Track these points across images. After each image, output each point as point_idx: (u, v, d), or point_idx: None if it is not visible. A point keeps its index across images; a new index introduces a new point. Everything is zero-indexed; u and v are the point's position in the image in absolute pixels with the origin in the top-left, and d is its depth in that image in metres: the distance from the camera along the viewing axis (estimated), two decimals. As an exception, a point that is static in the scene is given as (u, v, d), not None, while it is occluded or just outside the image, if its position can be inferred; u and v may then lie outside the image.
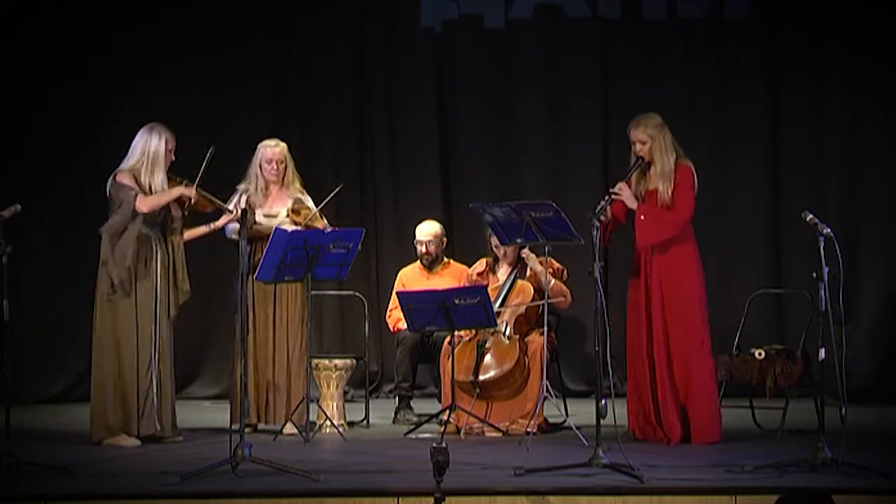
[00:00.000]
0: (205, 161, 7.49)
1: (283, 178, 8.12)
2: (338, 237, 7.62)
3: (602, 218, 7.30)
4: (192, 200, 7.50)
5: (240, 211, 7.47)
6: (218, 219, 7.83)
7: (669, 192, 7.40)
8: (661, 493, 5.96)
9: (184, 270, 7.60)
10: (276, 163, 8.08)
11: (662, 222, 7.39)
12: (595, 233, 6.56)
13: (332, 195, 8.05)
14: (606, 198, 7.35)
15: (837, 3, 9.94)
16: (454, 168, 10.27)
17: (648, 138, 7.43)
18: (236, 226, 7.84)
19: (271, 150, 8.11)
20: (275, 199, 8.11)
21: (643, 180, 7.50)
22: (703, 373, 7.41)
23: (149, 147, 7.46)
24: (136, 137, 7.52)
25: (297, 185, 8.17)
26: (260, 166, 8.10)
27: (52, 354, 9.83)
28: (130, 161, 7.48)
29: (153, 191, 7.44)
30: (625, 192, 7.39)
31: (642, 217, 7.37)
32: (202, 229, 7.84)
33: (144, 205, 7.38)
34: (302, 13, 10.22)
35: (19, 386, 8.70)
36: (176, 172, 7.56)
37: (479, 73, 10.24)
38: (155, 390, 7.45)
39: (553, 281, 8.06)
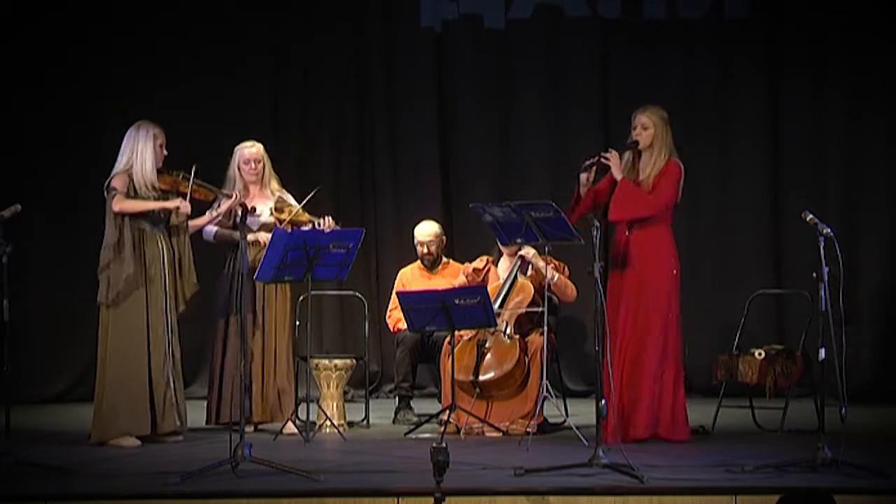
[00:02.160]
0: (191, 180, 7.49)
1: (261, 178, 8.14)
2: (338, 237, 7.63)
3: (583, 176, 7.30)
4: (184, 211, 7.50)
5: (237, 198, 7.52)
6: (221, 205, 7.82)
7: (651, 182, 7.40)
8: (661, 493, 5.96)
9: (190, 263, 7.63)
10: (254, 162, 8.11)
11: (637, 200, 7.37)
12: (595, 233, 6.54)
13: (308, 197, 8.05)
14: (595, 157, 7.35)
15: (837, 3, 9.94)
16: (454, 168, 10.28)
17: (652, 125, 7.42)
18: (214, 229, 7.90)
19: (248, 150, 8.14)
20: (254, 199, 8.11)
21: (630, 166, 7.49)
22: (657, 369, 7.33)
23: (137, 145, 7.48)
24: (125, 138, 7.53)
25: (275, 184, 8.18)
26: (238, 168, 8.13)
27: (52, 354, 9.84)
28: (122, 163, 7.50)
29: (147, 187, 7.44)
30: (614, 160, 7.39)
31: (622, 190, 7.37)
32: (204, 219, 7.83)
33: (118, 206, 7.37)
34: (302, 13, 10.23)
35: (19, 386, 8.70)
36: (172, 167, 7.57)
37: (479, 73, 10.25)
38: (173, 387, 7.47)
39: (556, 275, 8.07)
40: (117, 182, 7.43)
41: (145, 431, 7.42)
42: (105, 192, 7.46)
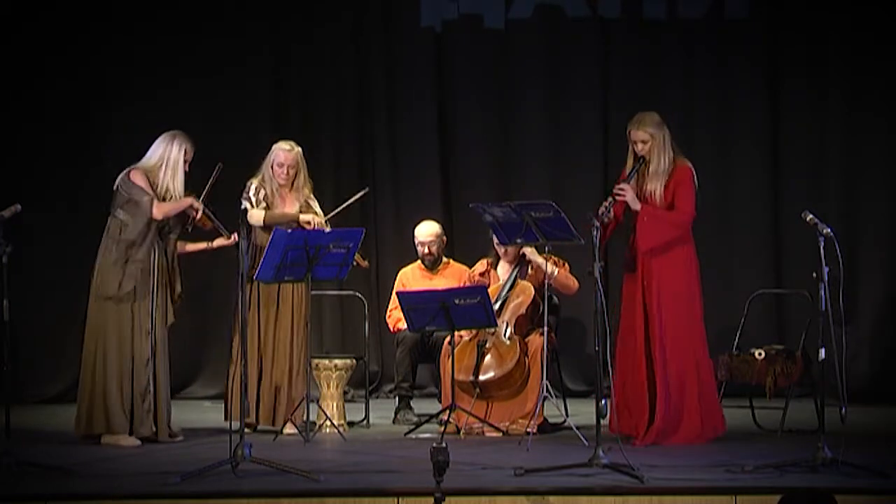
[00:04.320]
0: (212, 177, 7.49)
1: (292, 183, 8.08)
2: (338, 237, 7.62)
3: (605, 220, 7.30)
4: (197, 215, 7.49)
5: (233, 240, 7.51)
6: (214, 239, 7.82)
7: (662, 190, 7.38)
8: (661, 493, 5.96)
9: (177, 274, 7.60)
10: (288, 167, 8.02)
11: (666, 223, 7.36)
12: (595, 233, 6.55)
13: (354, 199, 8.04)
14: (609, 199, 7.32)
15: (837, 3, 9.94)
16: (454, 168, 10.27)
17: (650, 137, 7.40)
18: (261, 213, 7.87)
19: (284, 153, 8.04)
20: (286, 202, 8.08)
21: (641, 179, 7.48)
22: (683, 371, 7.32)
23: (169, 154, 7.48)
24: (157, 142, 7.53)
25: (307, 190, 8.11)
26: (272, 167, 8.07)
27: (52, 354, 9.83)
28: (149, 163, 7.49)
29: (169, 195, 7.45)
30: (629, 194, 7.35)
31: (645, 219, 7.35)
32: (199, 245, 7.83)
33: (160, 212, 7.40)
34: (301, 13, 10.23)
35: (19, 386, 8.71)
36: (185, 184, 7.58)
37: (479, 73, 10.24)
38: (152, 393, 7.46)
39: (556, 270, 8.07)
40: (141, 180, 7.41)
41: (123, 433, 7.41)
42: (123, 184, 7.41)
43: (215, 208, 7.61)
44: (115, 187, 7.47)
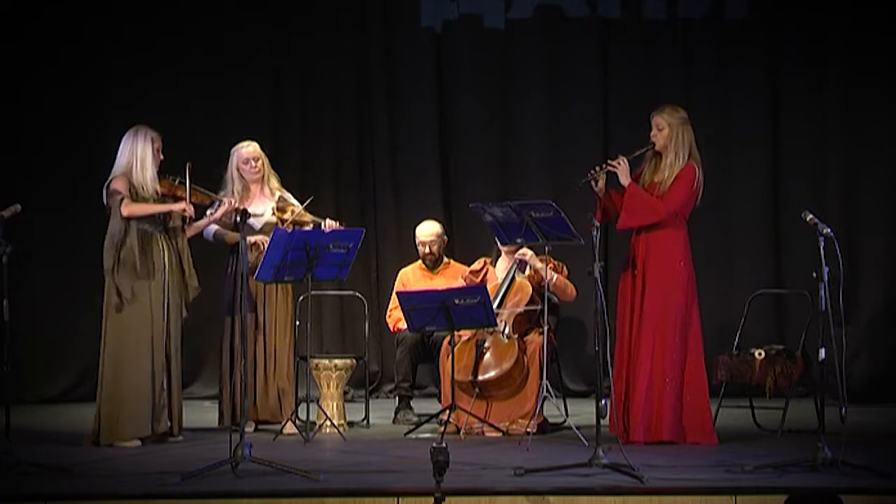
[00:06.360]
0: (187, 179, 7.50)
1: (263, 177, 8.16)
2: (338, 237, 7.63)
3: (594, 183, 7.30)
4: (187, 213, 7.51)
5: (234, 203, 7.54)
6: (216, 210, 7.85)
7: (668, 185, 7.38)
8: (661, 493, 5.96)
9: (190, 266, 7.64)
10: (254, 161, 8.13)
11: (646, 207, 7.35)
12: (595, 233, 6.54)
13: (308, 200, 8.05)
14: (601, 166, 7.35)
15: (837, 3, 9.94)
16: (454, 168, 10.28)
17: (666, 126, 7.39)
18: (214, 228, 7.93)
19: (246, 150, 8.17)
20: (256, 198, 8.14)
21: (651, 168, 7.47)
22: (673, 370, 7.30)
23: (136, 149, 7.49)
24: (122, 141, 7.55)
25: (275, 182, 8.21)
26: (238, 169, 8.14)
27: (52, 354, 9.83)
28: (121, 165, 7.51)
29: (146, 190, 7.46)
30: (622, 167, 7.36)
31: (628, 197, 7.36)
32: (202, 222, 7.85)
33: (126, 210, 7.39)
34: (302, 13, 10.23)
35: (19, 386, 8.70)
36: (167, 171, 7.58)
37: (479, 73, 10.25)
38: (167, 390, 7.48)
39: (555, 276, 8.06)
40: (119, 185, 7.43)
41: (146, 433, 7.42)
42: (105, 194, 7.47)
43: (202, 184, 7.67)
44: (103, 201, 7.49)
